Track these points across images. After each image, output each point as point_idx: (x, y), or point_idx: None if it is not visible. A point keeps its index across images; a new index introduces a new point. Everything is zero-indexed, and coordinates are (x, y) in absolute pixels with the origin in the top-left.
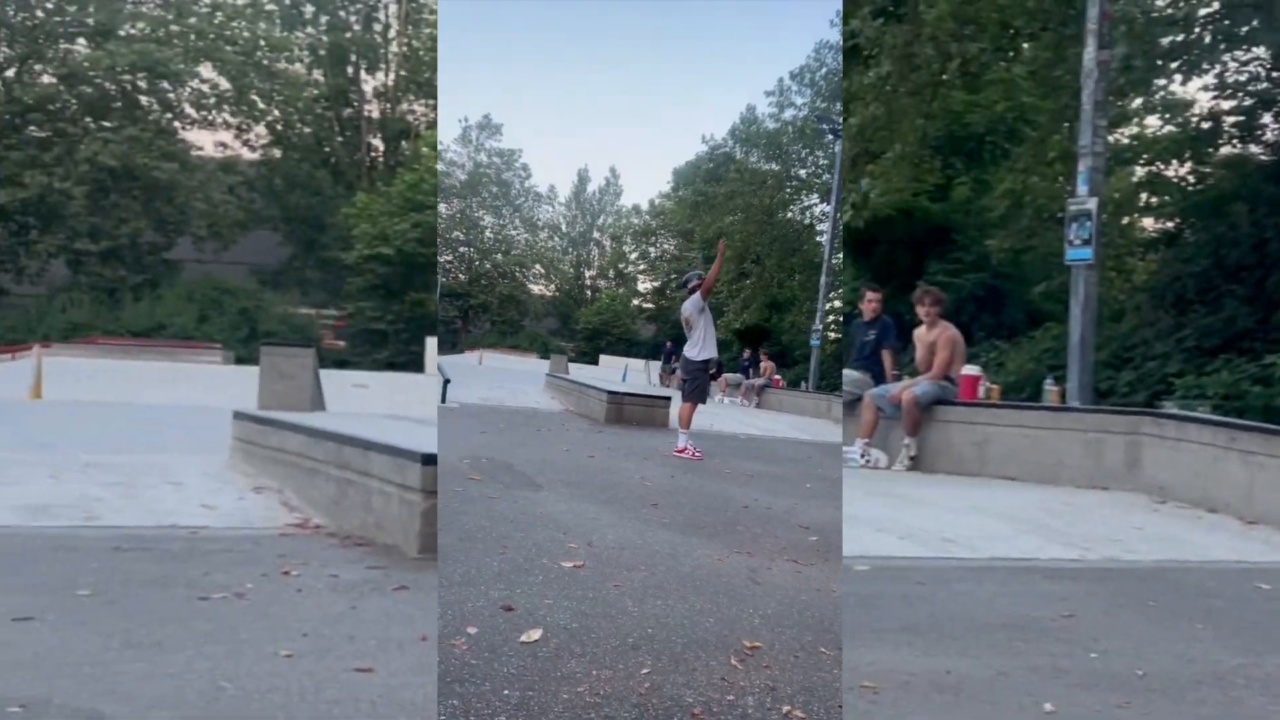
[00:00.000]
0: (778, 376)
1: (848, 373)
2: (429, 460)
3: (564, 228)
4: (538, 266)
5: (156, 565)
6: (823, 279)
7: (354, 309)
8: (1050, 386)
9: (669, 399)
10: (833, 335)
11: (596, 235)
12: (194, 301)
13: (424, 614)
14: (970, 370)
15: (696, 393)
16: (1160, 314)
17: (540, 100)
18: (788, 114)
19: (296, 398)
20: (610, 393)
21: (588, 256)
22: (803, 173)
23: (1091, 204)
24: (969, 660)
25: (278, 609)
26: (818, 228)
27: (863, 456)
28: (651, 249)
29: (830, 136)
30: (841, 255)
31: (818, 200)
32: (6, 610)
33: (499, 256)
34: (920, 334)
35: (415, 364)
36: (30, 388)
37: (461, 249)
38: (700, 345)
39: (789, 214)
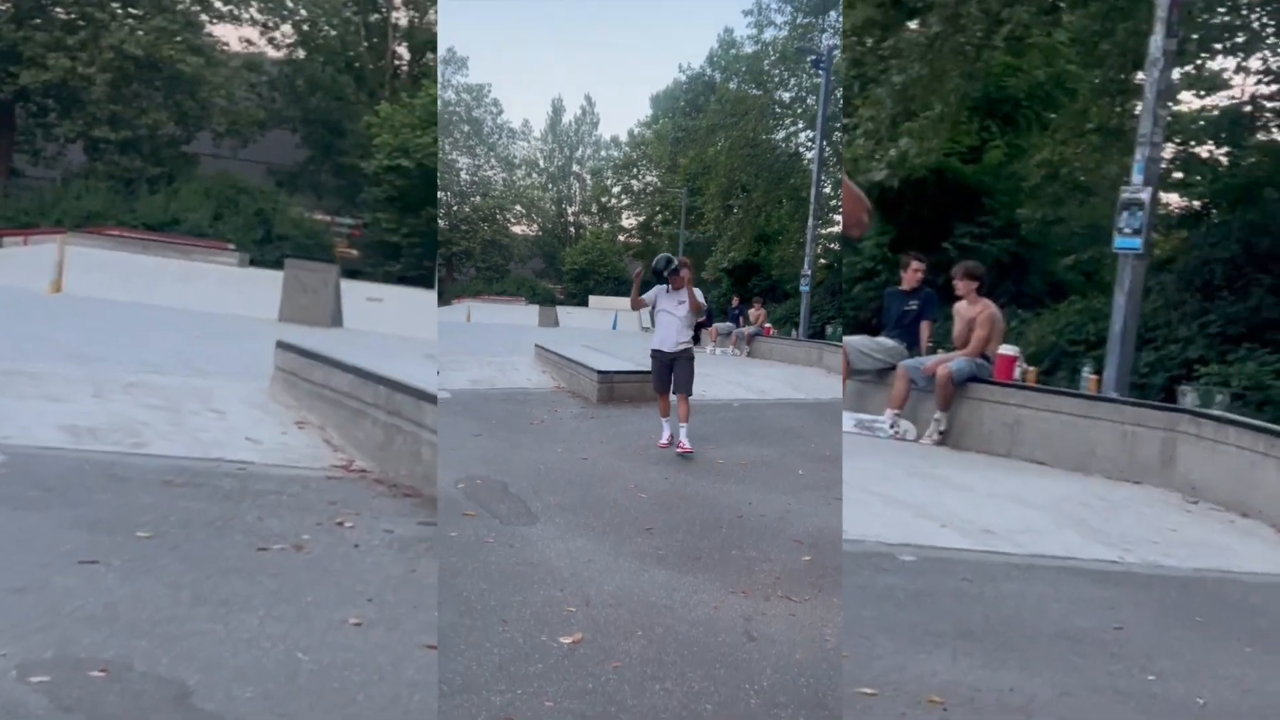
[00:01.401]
0: (769, 325)
1: (882, 340)
2: None
3: (541, 163)
4: (518, 207)
5: (210, 505)
6: (811, 211)
7: (370, 219)
8: (1088, 374)
9: None
10: (822, 262)
11: (576, 170)
12: (210, 198)
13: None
14: (1008, 350)
15: (676, 385)
16: (1185, 296)
17: (506, 29)
18: (768, 34)
19: (318, 312)
20: (601, 372)
21: (569, 193)
22: (786, 96)
23: (1145, 194)
24: (1032, 676)
25: (338, 567)
26: (804, 155)
27: (892, 427)
28: (634, 182)
29: (813, 67)
30: (829, 186)
31: (803, 126)
32: (71, 550)
33: (477, 199)
34: (960, 309)
35: (426, 280)
36: (51, 282)
37: (438, 194)
38: (664, 332)
39: (774, 140)
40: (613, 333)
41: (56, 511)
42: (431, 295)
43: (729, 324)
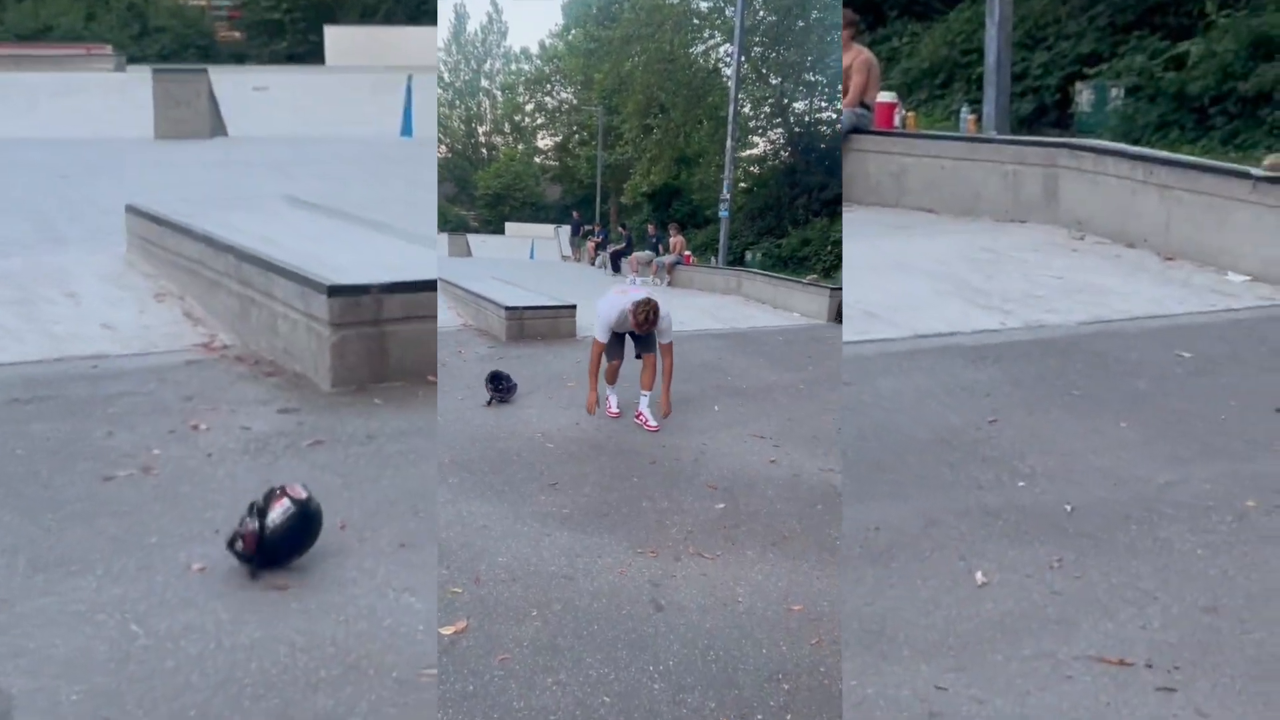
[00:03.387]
0: (688, 253)
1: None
2: (337, 291)
3: (447, 77)
4: None
5: (57, 424)
6: (730, 131)
7: None
8: (967, 115)
9: (573, 307)
10: (742, 185)
11: (485, 85)
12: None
13: (344, 483)
14: (886, 97)
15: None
16: None
17: None
18: None
19: (194, 125)
20: (509, 308)
21: (478, 110)
22: (704, 6)
23: None
24: (899, 506)
25: (188, 490)
26: (723, 71)
27: None
28: (548, 99)
29: None
30: (748, 104)
31: (721, 39)
32: None
33: None
34: None
35: (315, 54)
36: None
37: None
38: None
39: (692, 54)
40: (530, 262)
41: None
42: (322, 77)
43: (649, 252)
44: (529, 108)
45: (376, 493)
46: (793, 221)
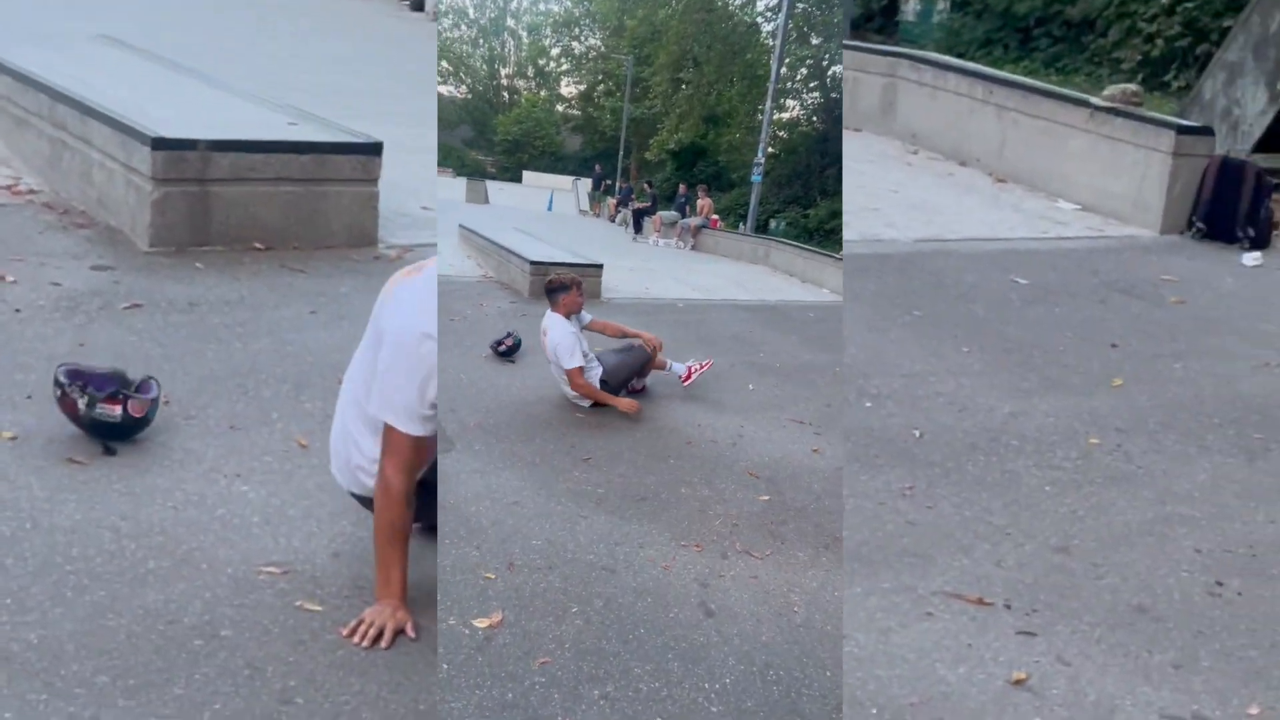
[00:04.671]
0: (715, 217)
1: None
2: (162, 144)
3: (471, 13)
4: (444, 63)
5: None
6: (770, 93)
7: None
8: None
9: (600, 266)
10: (771, 151)
11: (511, 24)
12: None
13: (164, 353)
14: None
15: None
16: None
17: None
18: None
19: None
20: (534, 263)
21: (502, 51)
22: None
23: None
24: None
25: None
26: (763, 28)
27: None
28: (576, 44)
29: None
30: (788, 65)
31: None
32: None
33: None
34: None
35: None
36: None
37: None
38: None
39: (730, 7)
40: (548, 214)
41: None
42: None
43: (674, 213)
44: (555, 52)
45: (201, 367)
46: (822, 191)
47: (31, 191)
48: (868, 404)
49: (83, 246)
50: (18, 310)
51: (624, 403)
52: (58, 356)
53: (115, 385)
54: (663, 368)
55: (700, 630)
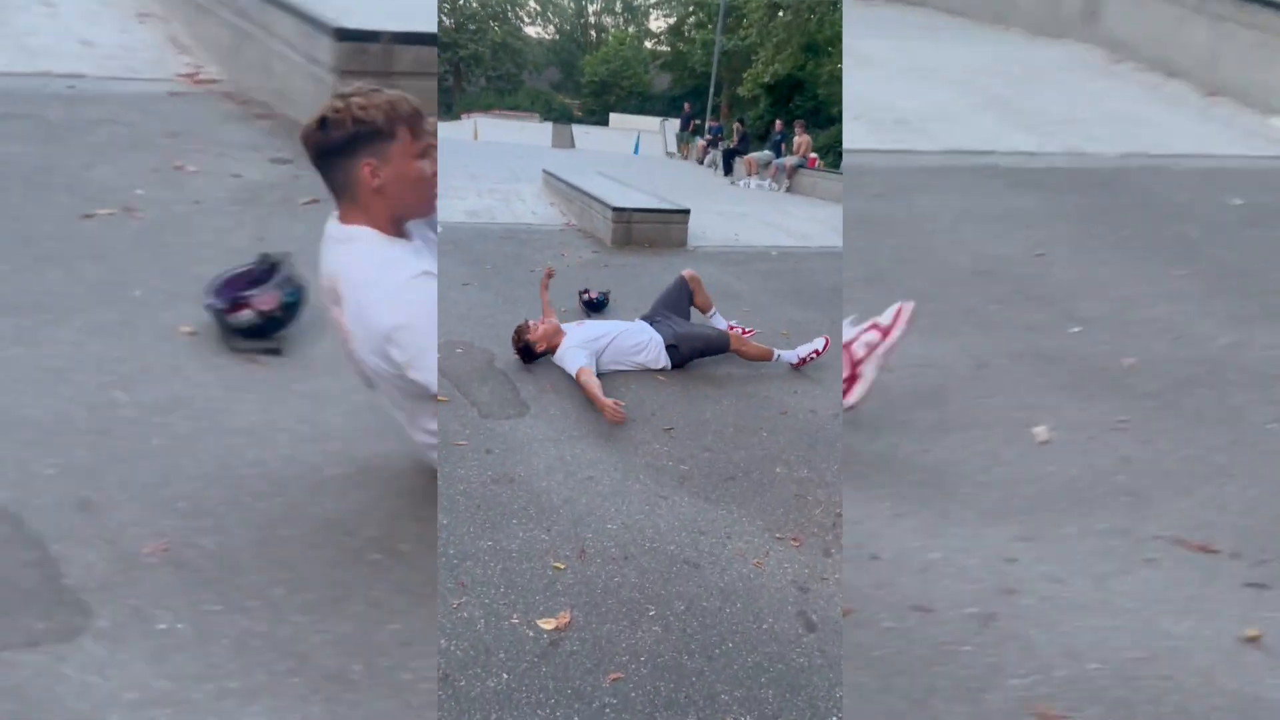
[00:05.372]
0: (814, 155)
1: None
2: (345, 35)
3: None
4: (532, 3)
5: (30, 146)
6: None
7: None
8: None
9: (686, 212)
10: None
11: None
12: None
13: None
14: None
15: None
16: None
17: None
18: None
19: None
20: (617, 209)
21: None
22: None
23: None
24: (945, 343)
25: (174, 239)
26: None
27: None
28: None
29: None
30: None
31: None
32: None
33: None
34: None
35: None
36: None
37: None
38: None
39: None
40: (634, 157)
41: None
42: None
43: (768, 153)
44: None
45: None
46: None
47: (213, 81)
48: (1075, 329)
49: (263, 138)
50: (197, 202)
51: (609, 409)
52: (236, 250)
53: (235, 290)
54: (767, 358)
55: (800, 649)
